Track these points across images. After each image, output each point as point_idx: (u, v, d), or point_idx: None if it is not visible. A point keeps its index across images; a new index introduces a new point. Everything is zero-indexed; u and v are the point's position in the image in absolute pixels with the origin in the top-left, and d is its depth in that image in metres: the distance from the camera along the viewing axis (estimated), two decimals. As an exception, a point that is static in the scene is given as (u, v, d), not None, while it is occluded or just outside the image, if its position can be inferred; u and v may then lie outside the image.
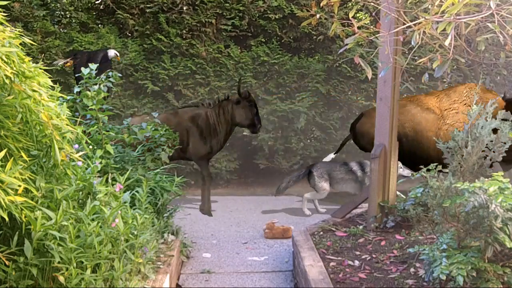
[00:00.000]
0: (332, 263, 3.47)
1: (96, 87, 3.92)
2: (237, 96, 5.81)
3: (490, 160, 3.43)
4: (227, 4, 8.02)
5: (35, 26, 7.60)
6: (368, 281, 3.12)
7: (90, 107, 3.88)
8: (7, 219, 1.96)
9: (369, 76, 2.96)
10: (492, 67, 5.61)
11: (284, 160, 7.91)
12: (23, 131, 2.30)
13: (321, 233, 4.20)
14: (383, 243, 3.79)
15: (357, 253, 3.66)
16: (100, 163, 3.14)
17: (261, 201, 6.20)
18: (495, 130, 3.42)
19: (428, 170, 3.22)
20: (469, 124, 3.41)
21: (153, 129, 4.50)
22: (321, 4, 3.23)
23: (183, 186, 4.42)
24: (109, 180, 3.09)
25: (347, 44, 3.00)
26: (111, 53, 5.91)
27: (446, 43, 2.48)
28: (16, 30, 2.31)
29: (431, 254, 2.76)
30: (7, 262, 2.13)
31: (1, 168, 2.03)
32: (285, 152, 7.95)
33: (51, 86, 2.49)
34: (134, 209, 3.20)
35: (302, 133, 7.99)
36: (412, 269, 3.22)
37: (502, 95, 4.75)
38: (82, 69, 4.05)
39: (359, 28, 2.91)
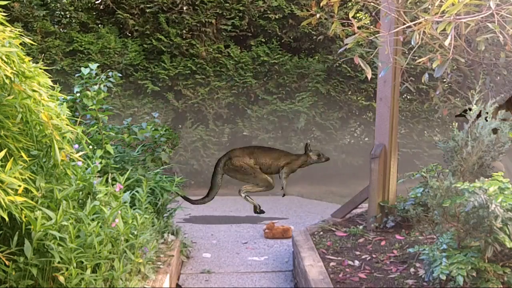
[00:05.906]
0: (332, 263, 3.47)
1: (96, 87, 3.92)
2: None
3: (491, 160, 3.43)
4: (227, 4, 8.02)
5: (35, 26, 7.60)
6: (368, 281, 3.12)
7: (90, 107, 3.88)
8: (7, 219, 1.95)
9: (369, 76, 2.95)
10: (492, 67, 5.59)
11: (284, 160, 7.89)
12: (23, 131, 2.30)
13: (321, 233, 4.20)
14: (383, 243, 3.79)
15: (357, 253, 3.66)
16: (100, 163, 3.14)
17: (261, 201, 6.19)
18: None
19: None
20: (469, 124, 3.41)
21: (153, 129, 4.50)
22: (321, 4, 3.22)
23: (183, 186, 4.42)
24: (109, 180, 3.09)
25: (347, 44, 3.00)
26: None
27: (446, 43, 2.48)
28: (16, 30, 2.31)
29: (431, 254, 2.76)
30: (7, 262, 2.13)
31: (1, 168, 2.03)
32: (285, 152, 7.94)
33: (51, 86, 2.49)
34: (134, 209, 3.20)
35: (302, 133, 7.99)
36: (412, 269, 3.22)
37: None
38: (82, 69, 4.04)
39: (359, 28, 2.91)
